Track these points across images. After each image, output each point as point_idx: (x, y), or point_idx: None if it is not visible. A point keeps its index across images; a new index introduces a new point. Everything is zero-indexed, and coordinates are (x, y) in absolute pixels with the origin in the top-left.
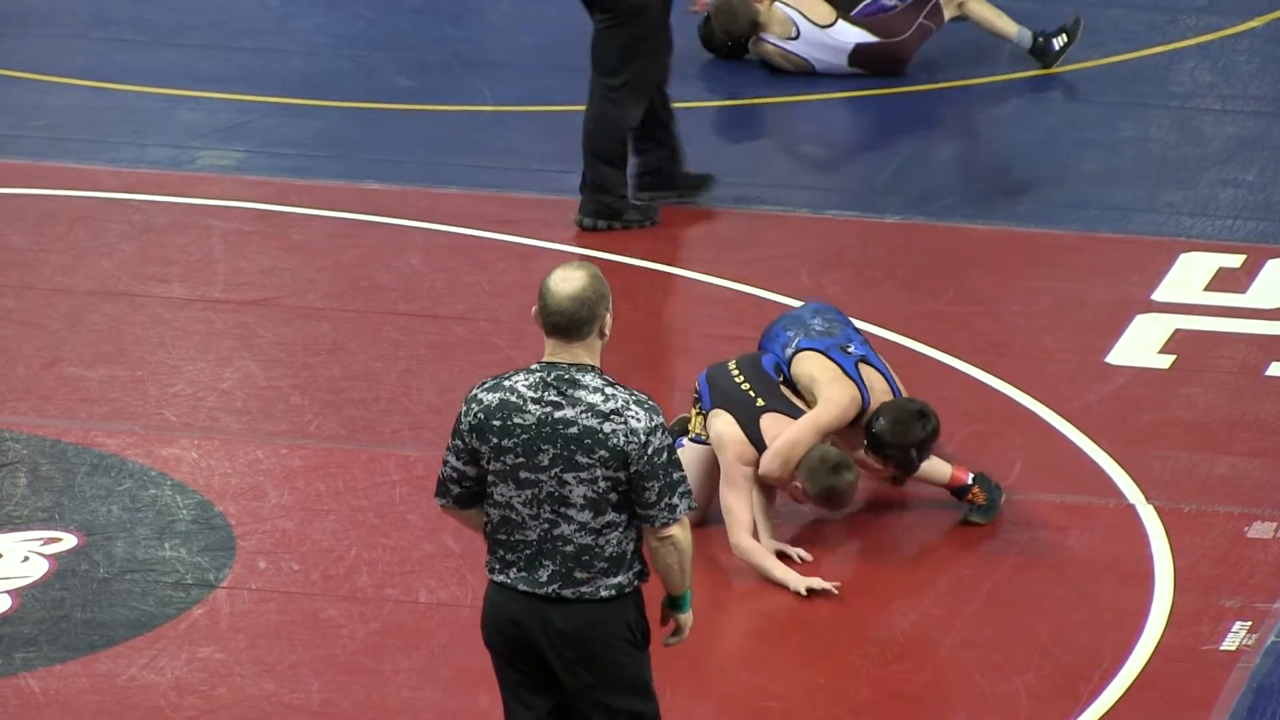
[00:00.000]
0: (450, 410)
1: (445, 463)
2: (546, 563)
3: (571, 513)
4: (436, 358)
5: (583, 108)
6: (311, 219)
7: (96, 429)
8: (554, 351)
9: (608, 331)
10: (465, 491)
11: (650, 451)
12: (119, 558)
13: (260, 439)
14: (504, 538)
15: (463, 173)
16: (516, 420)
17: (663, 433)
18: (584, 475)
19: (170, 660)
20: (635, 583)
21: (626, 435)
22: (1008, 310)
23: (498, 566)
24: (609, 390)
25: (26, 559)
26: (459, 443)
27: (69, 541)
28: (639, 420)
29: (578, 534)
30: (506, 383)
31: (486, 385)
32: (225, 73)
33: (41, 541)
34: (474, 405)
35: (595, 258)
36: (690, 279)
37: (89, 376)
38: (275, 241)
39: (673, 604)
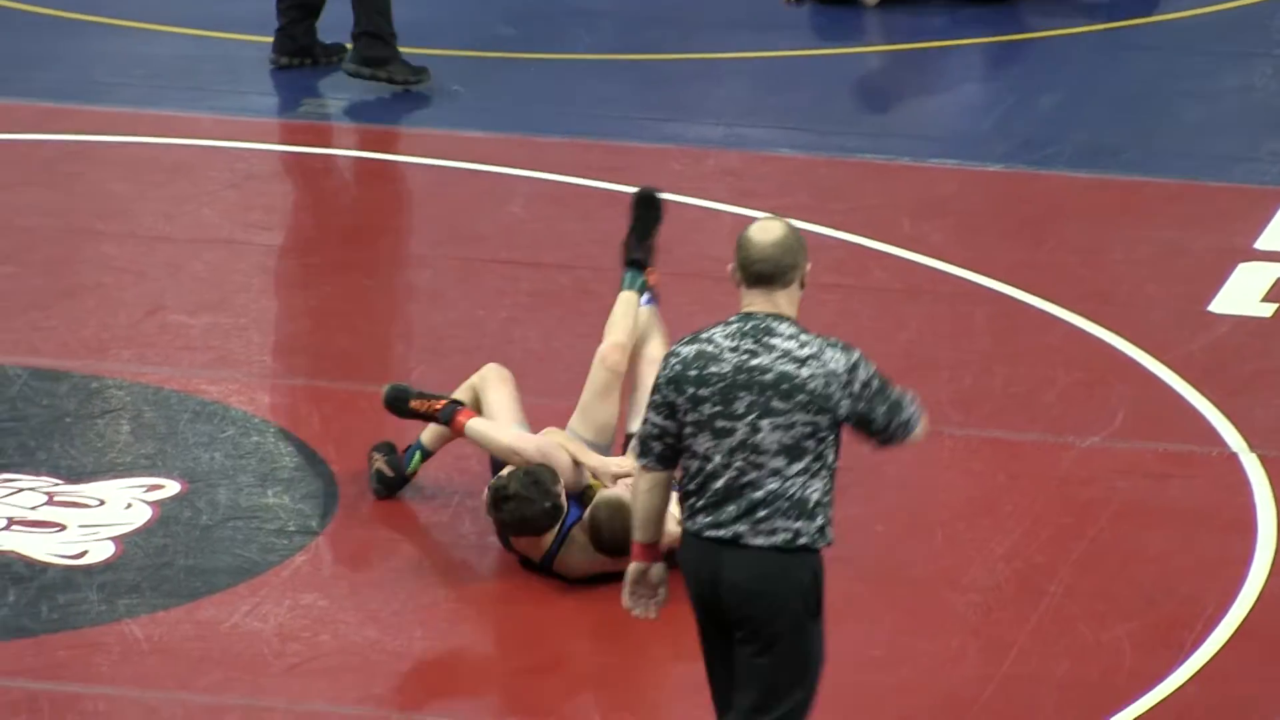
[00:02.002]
0: (552, 358)
1: (646, 420)
2: (732, 506)
3: (765, 460)
4: (538, 306)
5: (684, 57)
6: (413, 167)
7: (199, 376)
8: (752, 302)
9: (806, 282)
10: (666, 449)
11: (859, 387)
12: (221, 505)
13: (362, 385)
14: (697, 488)
15: (564, 121)
16: (713, 369)
17: (865, 364)
18: (780, 421)
19: (273, 607)
20: (818, 541)
21: (826, 378)
22: (1110, 259)
23: (688, 514)
24: (804, 337)
25: (129, 506)
26: (658, 397)
27: (172, 488)
28: (836, 362)
29: (769, 479)
30: (704, 335)
31: (684, 340)
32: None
33: (144, 489)
34: (671, 359)
35: (677, 202)
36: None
37: (191, 324)
38: (378, 189)
39: None
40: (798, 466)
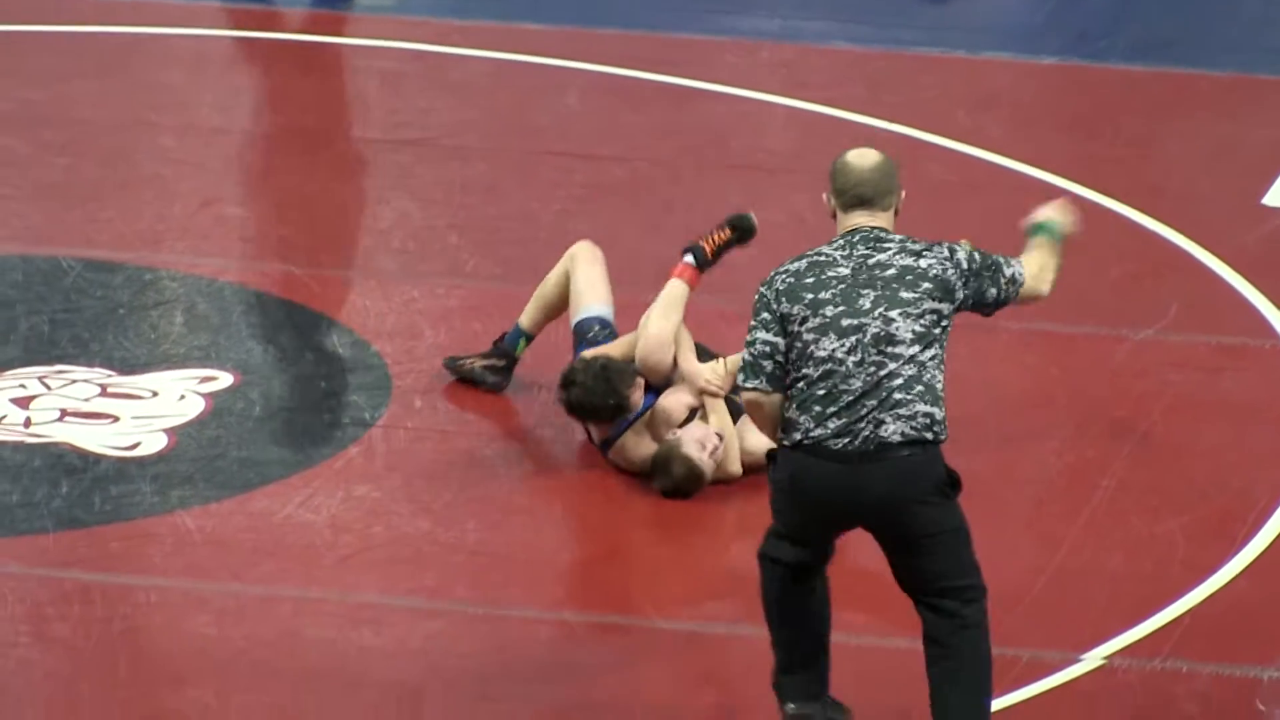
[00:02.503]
0: (608, 250)
1: (751, 344)
2: (869, 401)
3: (901, 349)
4: (593, 198)
5: None
6: (468, 59)
7: (253, 268)
8: (855, 221)
9: (900, 209)
10: (777, 368)
11: (968, 265)
12: (275, 396)
13: (417, 278)
14: (825, 392)
15: (619, 13)
16: (830, 274)
17: (968, 249)
18: (911, 310)
19: (326, 499)
20: (942, 433)
21: (943, 264)
22: (1164, 152)
23: (811, 425)
24: (913, 239)
25: (183, 397)
26: (766, 315)
27: (225, 380)
28: (949, 250)
29: (905, 367)
30: (810, 252)
31: (788, 260)
32: None
33: (198, 380)
34: (780, 274)
35: (730, 94)
36: (844, 119)
37: (246, 216)
38: (432, 82)
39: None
40: (930, 353)
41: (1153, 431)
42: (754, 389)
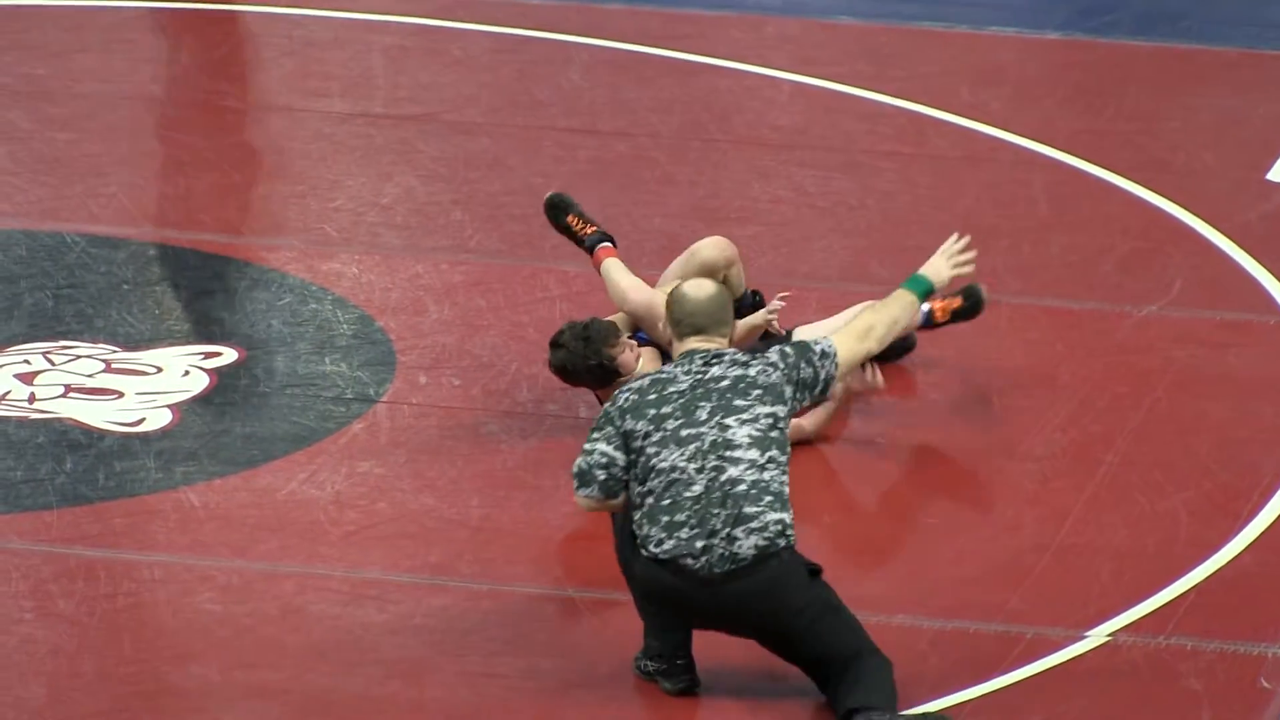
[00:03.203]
0: (612, 227)
1: (590, 453)
2: (717, 510)
3: (738, 453)
4: (597, 173)
5: None
6: (472, 34)
7: (257, 243)
8: (692, 346)
9: (734, 339)
10: (611, 480)
11: (785, 365)
12: (279, 372)
13: (420, 254)
14: (670, 501)
15: None
16: (671, 389)
17: (788, 350)
18: (745, 415)
19: (330, 475)
20: (794, 533)
21: (767, 368)
22: (1168, 127)
23: (663, 536)
24: (741, 353)
25: (187, 373)
26: (610, 429)
27: (229, 356)
28: (774, 358)
29: (747, 472)
30: (654, 372)
31: (634, 379)
32: None
33: (202, 356)
34: (623, 392)
35: (735, 70)
36: (849, 94)
37: (250, 191)
38: (436, 57)
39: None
40: (769, 456)
41: (1156, 407)
42: (586, 496)
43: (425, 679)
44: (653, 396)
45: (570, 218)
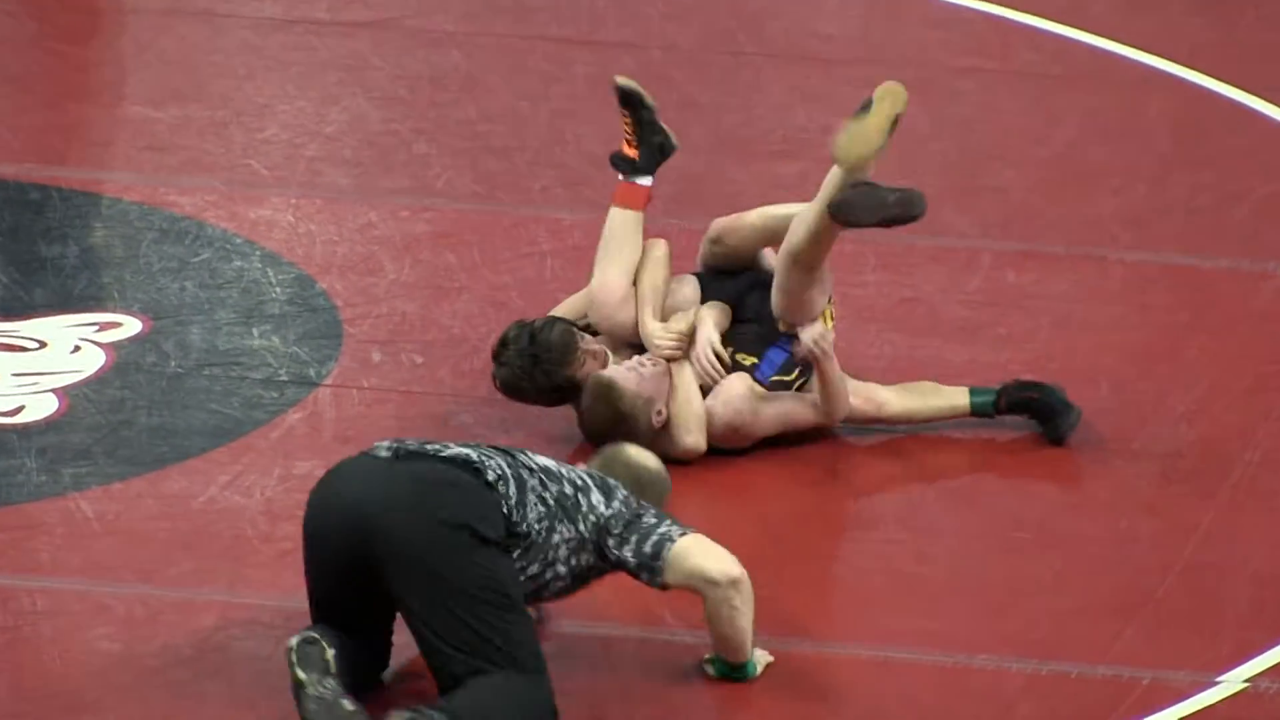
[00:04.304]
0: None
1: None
2: None
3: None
4: (597, 96)
5: None
6: None
7: (166, 184)
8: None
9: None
10: None
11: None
12: (194, 348)
13: (375, 198)
14: None
15: None
16: None
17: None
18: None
19: (260, 478)
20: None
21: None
22: None
23: None
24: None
25: (77, 349)
26: None
27: (131, 327)
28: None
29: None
30: None
31: None
32: None
33: (96, 327)
34: None
35: None
36: None
37: (158, 118)
38: None
39: None
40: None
41: None
42: None
43: None
44: None
45: (638, 115)
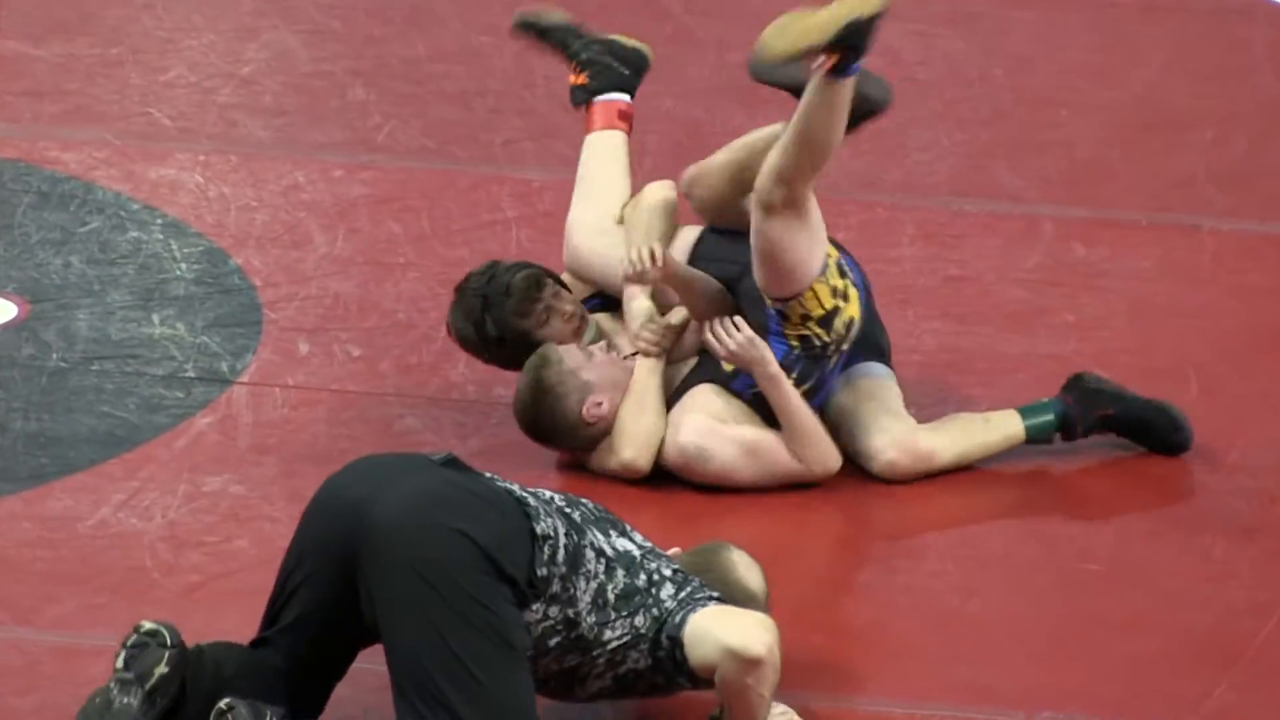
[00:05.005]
0: None
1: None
2: None
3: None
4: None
5: None
6: None
7: (46, 137)
8: None
9: None
10: None
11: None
12: (81, 338)
13: (302, 154)
14: None
15: None
16: None
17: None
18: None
19: (161, 496)
20: None
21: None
22: None
23: None
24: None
25: None
26: None
27: (4, 312)
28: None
29: None
30: None
31: None
32: None
33: None
34: None
35: None
36: None
37: (36, 56)
38: None
39: None
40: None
41: None
42: None
43: None
44: None
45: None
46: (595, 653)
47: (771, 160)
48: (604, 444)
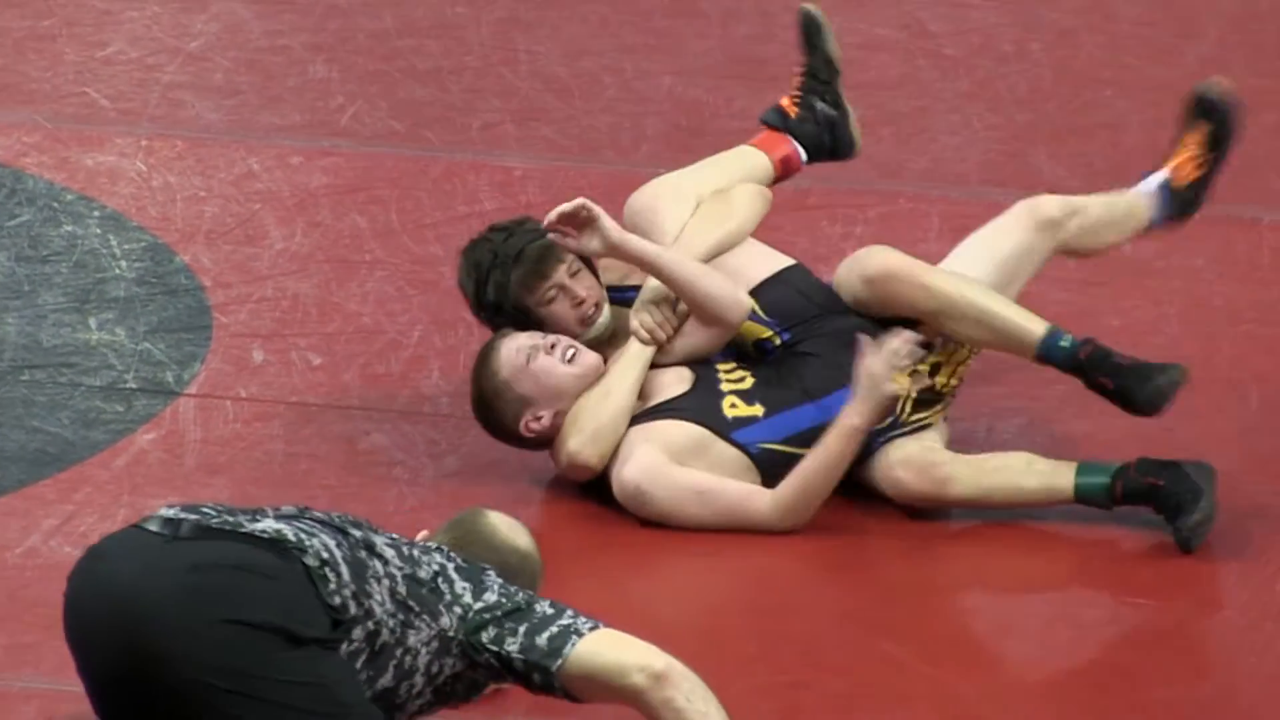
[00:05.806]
0: (598, 88)
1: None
2: None
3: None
4: (566, 2)
5: None
6: None
7: None
8: None
9: None
10: None
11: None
12: (9, 344)
13: (256, 138)
14: None
15: None
16: None
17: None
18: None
19: (99, 521)
20: None
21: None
22: None
23: None
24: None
25: None
26: None
27: None
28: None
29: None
30: None
31: None
32: None
33: None
34: None
35: None
36: None
37: None
38: None
39: None
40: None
41: None
42: None
43: None
44: None
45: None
46: (408, 665)
47: None
48: (558, 438)
